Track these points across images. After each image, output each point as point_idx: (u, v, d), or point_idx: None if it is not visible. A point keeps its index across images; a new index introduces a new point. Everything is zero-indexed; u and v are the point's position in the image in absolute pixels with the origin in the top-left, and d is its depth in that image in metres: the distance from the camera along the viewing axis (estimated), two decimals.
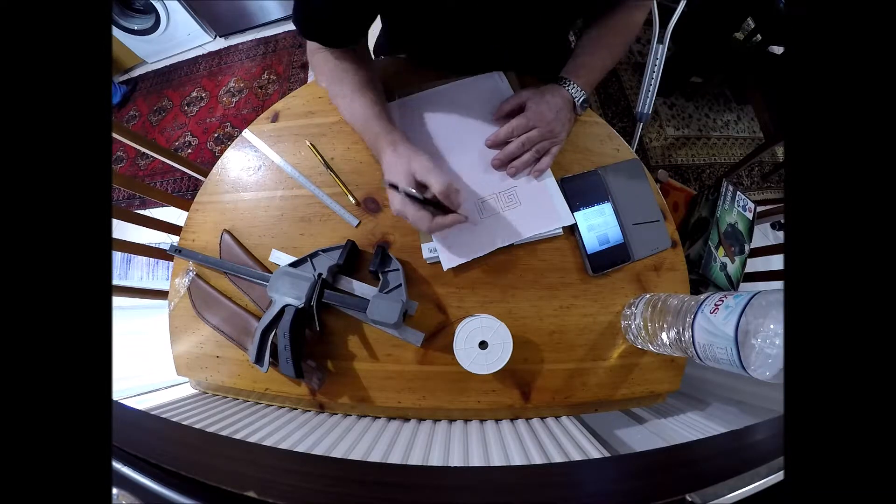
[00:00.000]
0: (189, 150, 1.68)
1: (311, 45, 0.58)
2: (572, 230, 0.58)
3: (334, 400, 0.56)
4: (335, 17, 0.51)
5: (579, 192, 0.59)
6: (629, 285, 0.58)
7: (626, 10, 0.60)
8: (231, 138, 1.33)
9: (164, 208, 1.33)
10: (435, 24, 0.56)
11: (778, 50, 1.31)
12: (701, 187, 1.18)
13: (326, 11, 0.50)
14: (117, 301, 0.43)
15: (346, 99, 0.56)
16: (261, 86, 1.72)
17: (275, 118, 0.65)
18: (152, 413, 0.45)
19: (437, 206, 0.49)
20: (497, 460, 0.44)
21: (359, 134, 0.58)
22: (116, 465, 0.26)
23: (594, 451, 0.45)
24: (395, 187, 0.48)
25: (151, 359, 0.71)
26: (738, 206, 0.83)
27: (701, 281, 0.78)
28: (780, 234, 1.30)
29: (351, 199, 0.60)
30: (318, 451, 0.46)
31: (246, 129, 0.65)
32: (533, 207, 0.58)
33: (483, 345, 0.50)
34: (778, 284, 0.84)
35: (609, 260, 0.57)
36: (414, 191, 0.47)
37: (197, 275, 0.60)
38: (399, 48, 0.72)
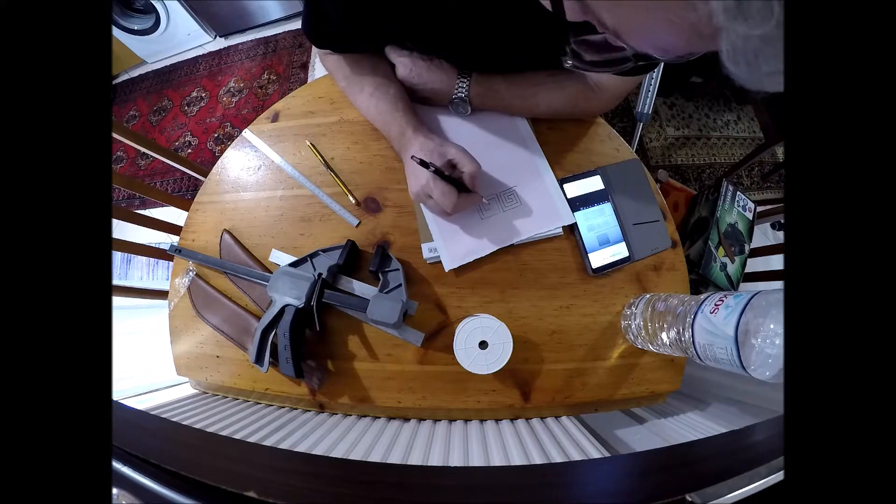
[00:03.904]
0: (189, 150, 1.68)
1: (321, 50, 0.59)
2: (572, 230, 0.58)
3: (334, 400, 0.56)
4: (345, 27, 0.52)
5: (579, 191, 0.59)
6: (629, 285, 0.58)
7: (585, 90, 0.58)
8: (231, 138, 1.33)
9: (164, 208, 1.33)
10: (436, 26, 0.56)
11: None
12: (701, 187, 1.18)
13: (336, 22, 0.51)
14: (117, 301, 0.43)
15: (366, 96, 0.57)
16: (261, 86, 1.72)
17: (275, 118, 0.65)
18: (152, 413, 0.45)
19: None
20: (497, 460, 0.44)
21: (380, 129, 0.59)
22: (116, 465, 0.26)
23: (594, 451, 0.45)
24: (425, 165, 0.50)
25: (151, 359, 0.71)
26: (738, 206, 0.83)
27: (701, 281, 0.78)
28: (780, 234, 1.30)
29: (351, 199, 0.60)
30: (318, 451, 0.46)
31: (246, 129, 0.65)
32: (533, 207, 0.58)
33: (483, 345, 0.50)
34: (778, 284, 0.84)
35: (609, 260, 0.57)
36: (444, 171, 0.51)
37: (197, 275, 0.60)
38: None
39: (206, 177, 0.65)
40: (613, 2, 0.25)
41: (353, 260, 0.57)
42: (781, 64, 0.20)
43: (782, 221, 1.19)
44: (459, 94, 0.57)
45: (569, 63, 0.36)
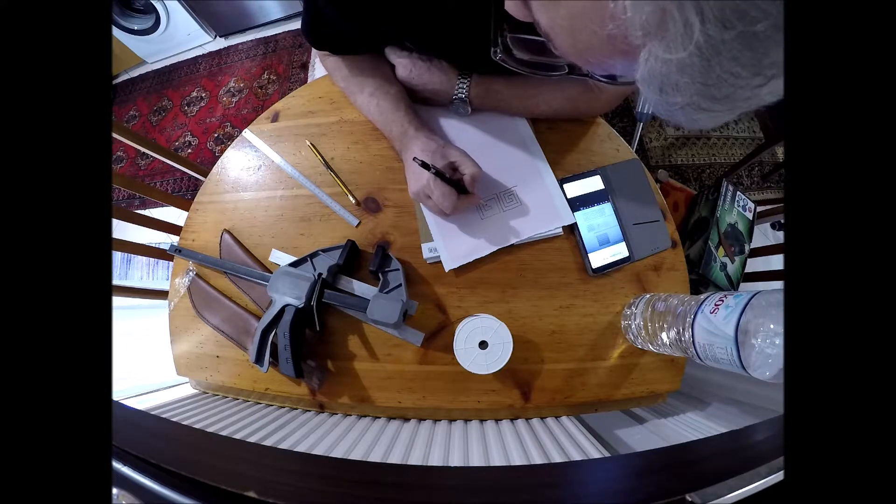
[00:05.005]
0: (189, 150, 1.68)
1: (321, 51, 0.59)
2: (572, 230, 0.58)
3: (334, 400, 0.56)
4: (344, 28, 0.52)
5: (579, 191, 0.59)
6: (629, 285, 0.58)
7: (587, 92, 0.57)
8: (231, 138, 1.33)
9: (164, 208, 1.33)
10: (436, 26, 0.56)
11: None
12: (701, 187, 1.18)
13: (335, 23, 0.51)
14: (117, 301, 0.43)
15: (367, 96, 0.57)
16: (261, 86, 1.72)
17: (275, 118, 0.65)
18: (152, 413, 0.45)
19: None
20: (497, 460, 0.44)
21: (381, 129, 0.59)
22: (116, 465, 0.26)
23: (594, 451, 0.45)
24: (426, 167, 0.49)
25: (151, 359, 0.71)
26: (738, 206, 0.83)
27: (701, 281, 0.78)
28: (780, 234, 1.30)
29: (351, 198, 0.60)
30: (318, 451, 0.46)
31: (246, 129, 0.65)
32: (533, 207, 0.58)
33: (483, 345, 0.50)
34: (778, 284, 0.84)
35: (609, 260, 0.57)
36: (445, 173, 0.51)
37: (197, 275, 0.60)
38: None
39: (206, 177, 0.65)
40: (549, 2, 0.25)
41: (353, 260, 0.57)
42: (696, 96, 0.20)
43: (782, 221, 1.19)
44: (459, 95, 0.57)
45: (498, 56, 0.36)
